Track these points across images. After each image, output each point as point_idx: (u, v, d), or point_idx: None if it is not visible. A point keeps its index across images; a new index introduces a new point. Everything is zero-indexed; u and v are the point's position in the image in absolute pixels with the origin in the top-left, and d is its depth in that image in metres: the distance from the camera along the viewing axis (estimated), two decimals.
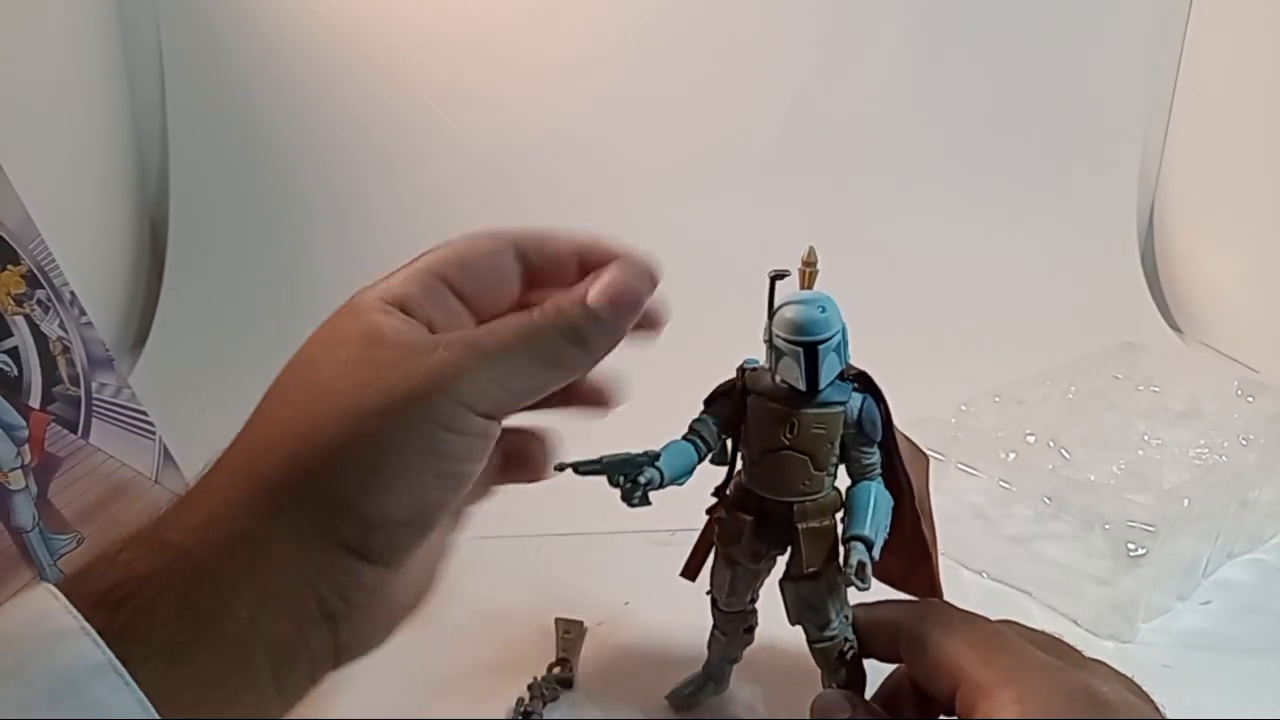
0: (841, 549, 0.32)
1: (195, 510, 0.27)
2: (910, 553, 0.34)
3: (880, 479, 0.33)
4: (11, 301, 0.40)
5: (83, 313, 0.45)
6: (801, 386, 0.31)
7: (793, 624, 0.35)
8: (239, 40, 0.84)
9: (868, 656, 0.35)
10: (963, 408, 0.57)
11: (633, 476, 0.30)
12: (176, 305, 0.83)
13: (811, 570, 0.33)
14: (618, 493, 0.32)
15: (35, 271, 0.42)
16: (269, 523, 0.26)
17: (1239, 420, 0.58)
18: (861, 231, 0.89)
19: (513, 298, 0.33)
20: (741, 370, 0.33)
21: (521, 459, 0.34)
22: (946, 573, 0.49)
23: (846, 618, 0.34)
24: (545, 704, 0.39)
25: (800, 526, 0.32)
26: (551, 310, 0.30)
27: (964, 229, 0.91)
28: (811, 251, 0.32)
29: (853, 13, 0.88)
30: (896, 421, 0.33)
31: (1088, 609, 0.46)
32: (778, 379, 0.32)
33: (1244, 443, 0.54)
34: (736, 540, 0.34)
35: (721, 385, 0.34)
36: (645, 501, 0.32)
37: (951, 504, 0.51)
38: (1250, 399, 0.60)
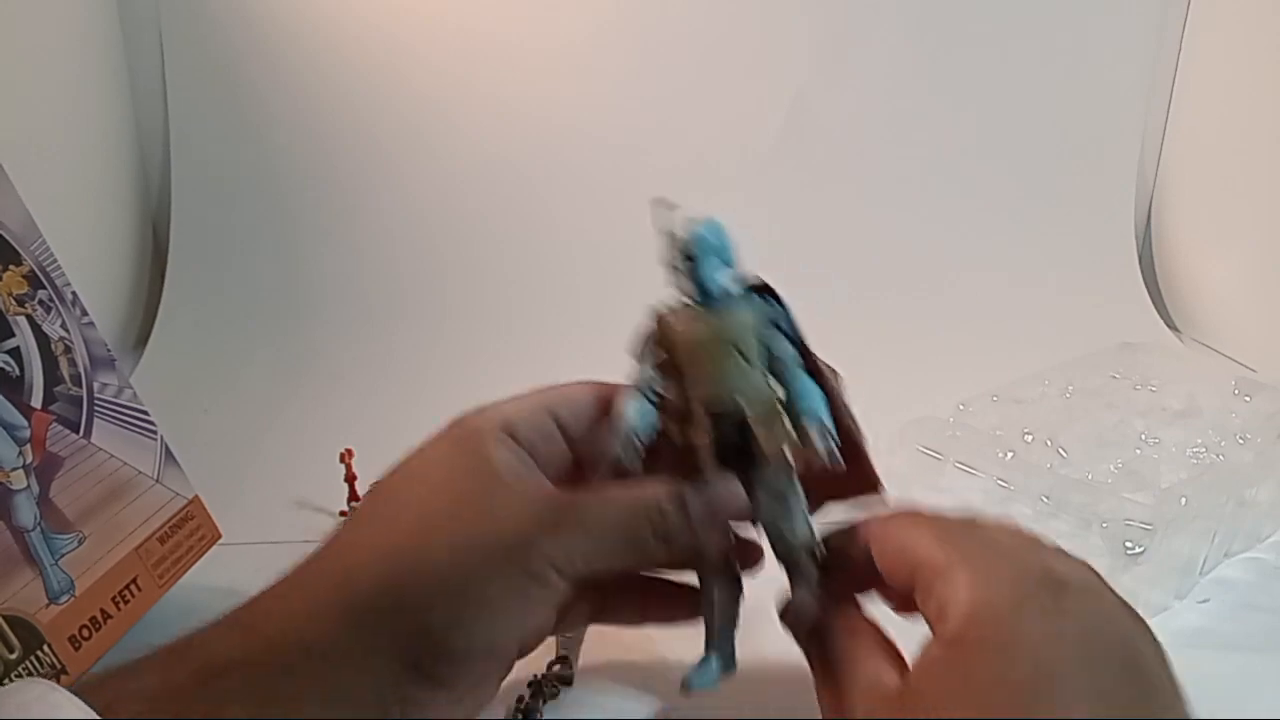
0: (796, 431, 0.34)
1: (287, 607, 0.28)
2: (844, 453, 0.35)
3: (804, 372, 0.35)
4: (13, 302, 0.41)
5: (84, 313, 0.45)
6: (697, 297, 0.33)
7: (756, 523, 0.36)
8: (241, 40, 0.84)
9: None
10: (961, 407, 0.57)
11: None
12: (178, 305, 0.83)
13: (773, 452, 0.34)
14: None
15: (37, 272, 0.42)
16: (356, 638, 0.27)
17: (1236, 419, 0.58)
18: (860, 231, 0.89)
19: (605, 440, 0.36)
20: (655, 316, 0.35)
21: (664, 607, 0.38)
22: None
23: (805, 514, 0.35)
24: (545, 702, 0.40)
25: (750, 415, 0.34)
26: (651, 501, 0.32)
27: (962, 229, 0.91)
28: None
29: (851, 13, 0.88)
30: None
31: None
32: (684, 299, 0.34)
33: (1241, 441, 0.55)
34: (697, 466, 0.34)
35: (640, 334, 0.35)
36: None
37: (950, 503, 0.51)
38: (1247, 398, 0.60)
